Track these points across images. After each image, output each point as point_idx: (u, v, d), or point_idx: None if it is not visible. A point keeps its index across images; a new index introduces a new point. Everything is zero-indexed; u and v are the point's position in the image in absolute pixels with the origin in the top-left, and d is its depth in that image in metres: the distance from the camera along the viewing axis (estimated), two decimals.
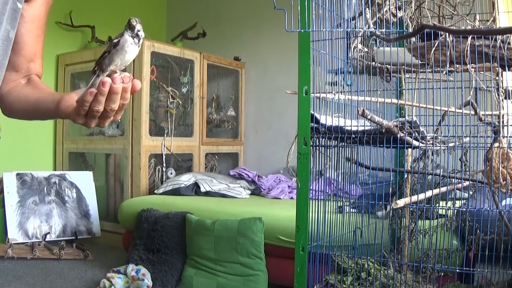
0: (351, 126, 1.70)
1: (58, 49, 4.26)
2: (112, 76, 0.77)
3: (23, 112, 0.94)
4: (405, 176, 1.89)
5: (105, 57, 0.88)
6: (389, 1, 1.80)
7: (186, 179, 3.61)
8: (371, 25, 1.74)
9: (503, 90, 1.65)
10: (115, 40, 0.87)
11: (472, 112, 1.63)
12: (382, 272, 1.75)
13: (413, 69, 1.80)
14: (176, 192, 3.52)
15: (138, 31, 0.87)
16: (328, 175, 1.89)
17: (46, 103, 0.89)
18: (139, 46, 0.88)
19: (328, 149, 1.77)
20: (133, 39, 0.86)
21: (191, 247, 2.78)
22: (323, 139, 1.76)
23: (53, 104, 0.86)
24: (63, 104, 0.83)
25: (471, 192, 1.89)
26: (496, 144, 1.55)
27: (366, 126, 1.69)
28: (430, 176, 1.84)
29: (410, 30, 1.85)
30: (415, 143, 1.66)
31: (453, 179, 1.83)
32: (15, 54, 0.92)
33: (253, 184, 3.80)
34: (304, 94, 1.66)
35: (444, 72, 1.62)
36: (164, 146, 3.86)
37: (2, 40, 0.85)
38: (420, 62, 1.69)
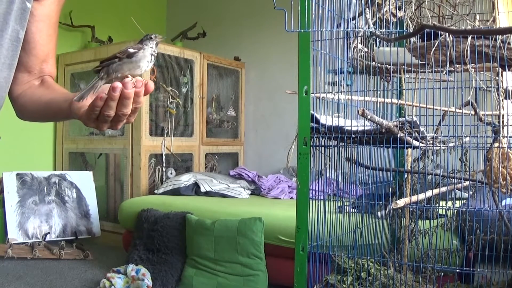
0: (351, 126, 1.70)
1: (58, 49, 4.22)
2: (123, 81, 0.72)
3: (36, 113, 0.92)
4: (405, 176, 1.89)
5: (114, 62, 0.83)
6: (389, 1, 1.80)
7: (186, 179, 3.61)
8: (371, 25, 1.73)
9: (503, 90, 1.65)
10: (132, 51, 0.82)
11: (472, 112, 1.63)
12: (382, 272, 1.75)
13: (413, 69, 1.80)
14: (176, 192, 3.52)
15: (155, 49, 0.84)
16: (328, 175, 1.89)
17: (59, 103, 0.87)
18: (152, 65, 0.84)
19: (328, 149, 1.77)
20: (152, 56, 0.83)
21: (191, 247, 2.78)
22: (323, 139, 1.76)
23: (66, 103, 0.83)
24: (74, 105, 0.81)
25: (471, 192, 1.89)
26: (496, 144, 1.55)
27: (366, 126, 1.68)
28: (430, 176, 1.84)
29: (410, 30, 1.85)
30: (415, 143, 1.66)
31: (453, 179, 1.83)
32: (27, 54, 0.91)
33: (253, 184, 3.80)
34: (304, 94, 1.66)
35: (444, 72, 1.62)
36: (164, 146, 3.86)
37: (11, 41, 0.84)
38: (420, 62, 1.69)
